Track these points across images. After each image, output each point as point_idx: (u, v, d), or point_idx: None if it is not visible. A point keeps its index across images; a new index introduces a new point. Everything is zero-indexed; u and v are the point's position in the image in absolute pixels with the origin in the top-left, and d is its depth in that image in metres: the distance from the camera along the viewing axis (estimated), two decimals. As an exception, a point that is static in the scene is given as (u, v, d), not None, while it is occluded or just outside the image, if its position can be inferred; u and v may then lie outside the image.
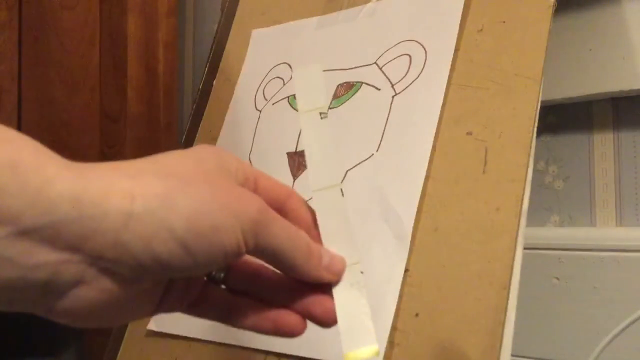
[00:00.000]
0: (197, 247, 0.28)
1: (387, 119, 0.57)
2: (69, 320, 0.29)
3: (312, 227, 0.35)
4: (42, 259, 0.26)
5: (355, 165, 0.56)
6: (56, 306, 0.27)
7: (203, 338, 0.59)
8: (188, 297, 0.33)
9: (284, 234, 0.32)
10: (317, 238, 0.35)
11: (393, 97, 0.58)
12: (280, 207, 0.34)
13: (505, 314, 0.45)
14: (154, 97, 1.00)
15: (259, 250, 0.31)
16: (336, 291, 0.34)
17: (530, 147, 0.49)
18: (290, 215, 0.34)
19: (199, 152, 0.32)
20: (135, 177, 0.28)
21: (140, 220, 0.27)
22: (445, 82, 0.55)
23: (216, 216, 0.28)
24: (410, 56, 0.58)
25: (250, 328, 0.34)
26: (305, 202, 0.35)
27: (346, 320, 0.34)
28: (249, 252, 0.31)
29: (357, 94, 0.60)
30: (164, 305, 0.32)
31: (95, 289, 0.28)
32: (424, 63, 0.57)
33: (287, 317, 0.34)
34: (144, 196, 0.27)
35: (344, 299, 0.34)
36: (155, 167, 0.29)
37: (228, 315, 0.34)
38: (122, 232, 0.26)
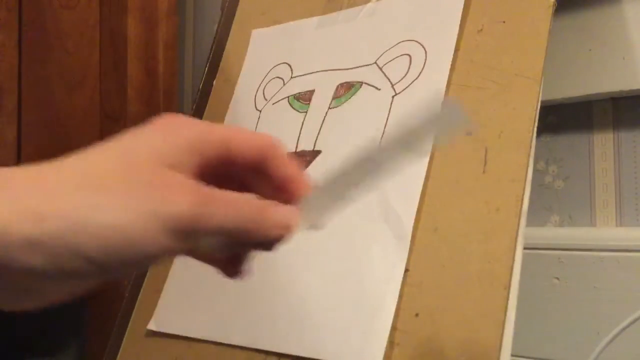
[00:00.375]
0: (111, 263, 0.27)
1: (387, 119, 0.57)
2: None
3: (291, 179, 0.33)
4: None
5: (355, 165, 0.56)
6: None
7: (203, 338, 0.59)
8: None
9: (230, 213, 0.30)
10: (296, 190, 0.33)
11: (393, 97, 0.58)
12: (261, 162, 0.33)
13: (505, 314, 0.45)
14: (154, 97, 1.00)
15: (210, 236, 0.30)
16: None
17: (530, 147, 0.49)
18: (270, 168, 0.33)
19: (134, 139, 0.30)
20: (49, 192, 0.27)
21: (48, 243, 0.26)
22: (445, 82, 0.55)
23: (132, 228, 0.27)
24: (410, 56, 0.58)
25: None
26: (286, 151, 0.34)
27: None
28: (197, 242, 0.30)
29: (357, 94, 0.60)
30: None
31: (28, 297, 0.28)
32: (424, 63, 0.57)
33: None
34: (52, 217, 0.26)
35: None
36: (74, 173, 0.28)
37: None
38: (31, 257, 0.26)
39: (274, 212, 0.32)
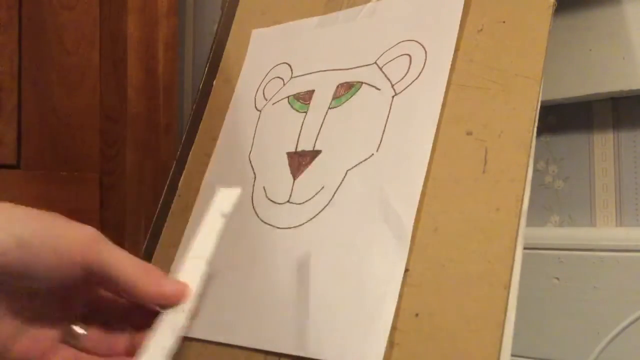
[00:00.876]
0: (37, 270, 0.39)
1: (387, 119, 0.57)
2: None
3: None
4: None
5: (355, 165, 0.56)
6: None
7: (203, 338, 0.59)
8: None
9: (120, 255, 0.40)
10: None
11: (393, 97, 0.58)
12: None
13: (505, 314, 0.45)
14: (154, 97, 1.00)
15: (99, 270, 0.39)
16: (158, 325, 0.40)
17: (530, 147, 0.49)
18: None
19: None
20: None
21: None
22: (445, 82, 0.55)
23: (57, 240, 0.39)
24: (410, 56, 0.58)
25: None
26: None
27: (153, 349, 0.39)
28: (91, 272, 0.39)
29: (357, 94, 0.60)
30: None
31: None
32: (424, 63, 0.57)
33: None
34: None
35: (162, 332, 0.40)
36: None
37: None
38: None
39: (165, 278, 0.41)
